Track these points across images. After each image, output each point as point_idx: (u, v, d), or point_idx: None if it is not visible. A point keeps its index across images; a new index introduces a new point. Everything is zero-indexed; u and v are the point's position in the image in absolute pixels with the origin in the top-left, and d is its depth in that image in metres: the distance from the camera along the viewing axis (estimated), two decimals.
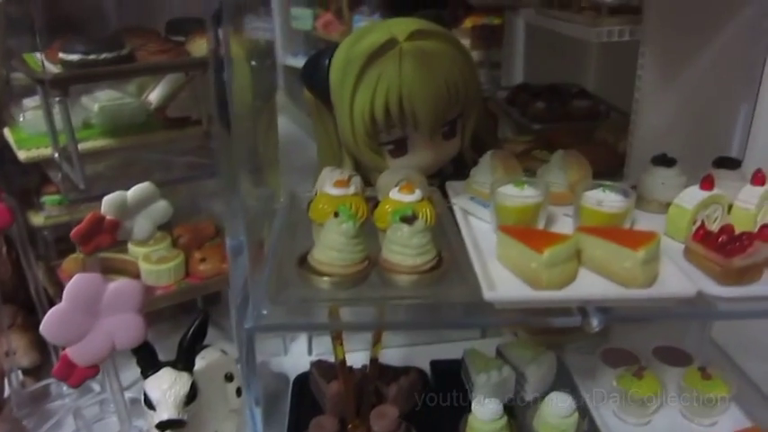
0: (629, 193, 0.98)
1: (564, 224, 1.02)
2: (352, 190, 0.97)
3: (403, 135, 1.25)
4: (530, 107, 1.56)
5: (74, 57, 1.09)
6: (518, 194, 0.97)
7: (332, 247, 0.85)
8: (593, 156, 1.33)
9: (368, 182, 1.36)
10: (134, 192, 1.00)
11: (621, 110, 1.53)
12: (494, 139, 1.59)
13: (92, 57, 1.08)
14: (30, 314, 1.38)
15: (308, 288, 0.86)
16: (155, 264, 1.31)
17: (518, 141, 1.43)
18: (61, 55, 1.11)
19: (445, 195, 1.17)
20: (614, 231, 0.89)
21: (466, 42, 2.06)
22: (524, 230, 0.90)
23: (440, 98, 1.20)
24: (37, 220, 1.50)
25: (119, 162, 1.41)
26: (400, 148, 1.27)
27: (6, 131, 1.41)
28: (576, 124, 1.49)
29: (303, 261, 0.89)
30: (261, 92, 1.13)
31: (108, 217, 0.99)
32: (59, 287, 1.31)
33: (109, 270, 1.31)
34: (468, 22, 2.06)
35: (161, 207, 1.03)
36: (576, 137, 1.42)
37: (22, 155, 1.29)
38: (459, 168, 1.42)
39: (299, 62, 2.64)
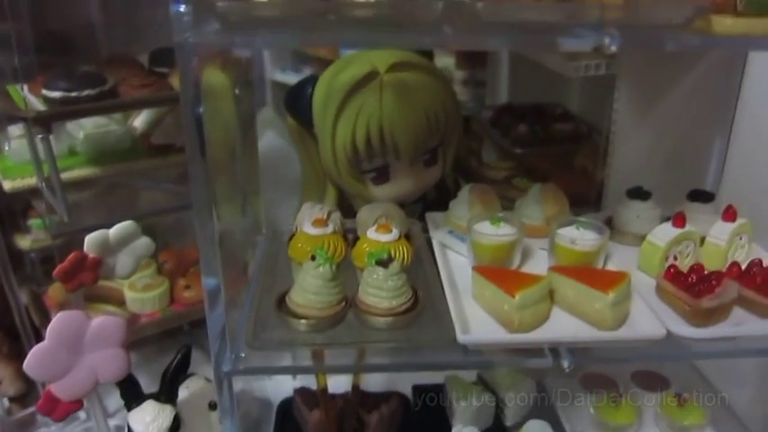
0: (603, 230, 1.00)
1: (540, 259, 1.04)
2: (330, 229, 0.99)
3: (384, 163, 1.27)
4: (512, 130, 1.57)
5: (56, 94, 1.10)
6: (493, 233, 0.98)
7: (309, 290, 0.87)
8: (571, 184, 1.35)
9: (351, 208, 1.38)
10: (116, 230, 1.01)
11: (602, 131, 1.55)
12: (477, 163, 1.61)
13: (74, 94, 1.09)
14: (15, 341, 1.39)
15: (286, 330, 0.87)
16: (140, 291, 1.32)
17: (499, 168, 1.44)
18: (44, 92, 1.12)
19: (426, 225, 1.19)
20: (586, 272, 0.91)
21: (451, 61, 2.08)
22: (498, 271, 0.92)
23: (420, 128, 1.21)
24: (23, 243, 1.51)
25: (103, 189, 1.42)
26: (382, 176, 1.29)
27: None
28: (558, 148, 1.51)
29: (282, 302, 0.91)
30: (240, 119, 1.14)
31: (90, 255, 1.00)
32: (45, 315, 1.32)
33: (94, 297, 1.33)
34: None
35: (143, 244, 1.05)
36: (556, 163, 1.44)
37: (7, 185, 1.30)
38: (442, 193, 1.44)
39: (286, 77, 2.65)
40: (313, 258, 0.88)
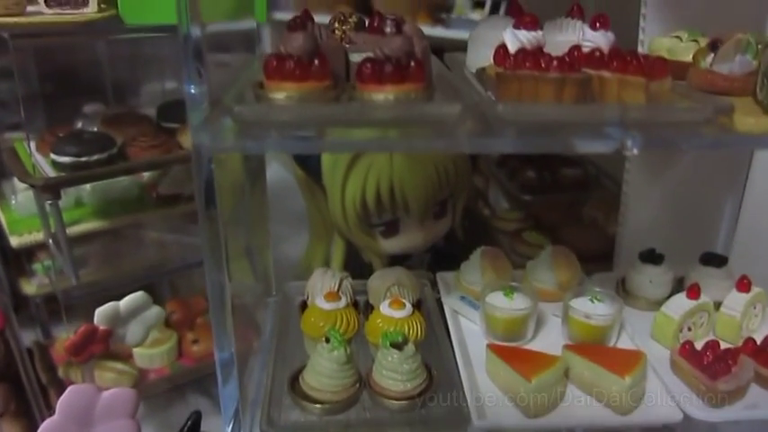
0: (616, 301, 1.00)
1: (553, 328, 1.04)
2: (343, 303, 0.98)
3: (394, 218, 1.27)
4: (519, 174, 1.57)
5: (65, 159, 1.09)
6: (507, 306, 0.98)
7: (323, 373, 0.86)
8: (582, 239, 1.35)
9: (360, 258, 1.37)
10: (127, 301, 1.00)
11: (611, 175, 1.54)
12: (485, 207, 1.61)
13: (83, 159, 1.09)
14: (22, 393, 1.38)
15: (300, 412, 0.87)
16: (148, 347, 1.31)
17: (509, 219, 1.44)
18: (53, 156, 1.11)
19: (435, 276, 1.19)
20: (602, 352, 0.91)
21: None
22: (513, 352, 0.91)
23: (431, 184, 1.21)
24: (29, 289, 1.51)
25: (110, 240, 1.41)
26: (392, 230, 1.29)
27: None
28: (566, 195, 1.51)
29: (295, 381, 0.90)
30: (249, 176, 1.13)
31: (101, 327, 0.99)
32: (52, 371, 1.31)
33: (101, 354, 1.32)
34: None
35: (154, 313, 1.04)
36: (565, 212, 1.43)
37: (14, 241, 1.30)
38: (451, 241, 1.43)
39: None
40: (327, 341, 0.87)
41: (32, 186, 1.07)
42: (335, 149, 1.02)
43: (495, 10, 2.03)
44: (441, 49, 1.00)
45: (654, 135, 0.69)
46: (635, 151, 0.67)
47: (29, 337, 1.58)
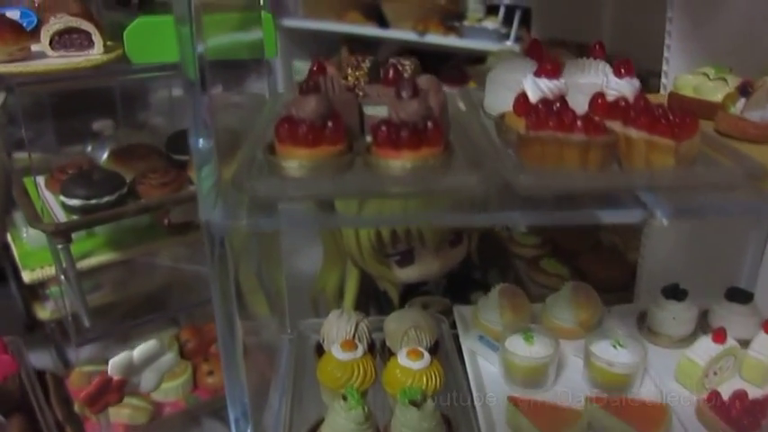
0: (639, 346, 0.97)
1: (574, 369, 1.01)
2: (359, 352, 0.96)
3: (409, 247, 1.24)
4: None
5: (75, 202, 1.07)
6: (527, 354, 0.95)
7: (340, 431, 0.85)
8: (602, 266, 1.32)
9: (374, 287, 1.35)
10: (140, 351, 0.99)
11: None
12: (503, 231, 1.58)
13: (93, 201, 1.07)
14: (36, 424, 1.37)
15: None
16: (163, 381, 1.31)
17: (526, 245, 1.41)
18: (62, 198, 1.09)
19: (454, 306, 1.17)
20: (626, 406, 0.88)
21: None
22: (534, 406, 0.89)
23: None
24: (43, 314, 1.50)
25: (122, 270, 1.40)
26: (407, 260, 1.27)
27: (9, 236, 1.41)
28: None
29: None
30: None
31: (115, 378, 0.98)
32: (68, 408, 1.30)
33: None
34: (472, 84, 2.03)
35: (167, 360, 1.02)
36: (585, 238, 1.40)
37: (26, 276, 1.28)
38: (467, 267, 1.41)
39: None
40: (344, 399, 0.85)
41: (43, 231, 1.05)
42: (352, 225, 1.00)
43: (509, 18, 1.98)
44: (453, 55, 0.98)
45: (684, 203, 0.66)
46: (664, 222, 0.64)
47: (43, 359, 1.59)
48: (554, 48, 1.72)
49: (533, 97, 0.80)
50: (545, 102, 0.79)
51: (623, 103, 0.79)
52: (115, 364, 0.97)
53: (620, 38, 1.69)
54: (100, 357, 1.45)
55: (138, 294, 1.51)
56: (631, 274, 1.28)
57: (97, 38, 1.00)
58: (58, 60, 0.98)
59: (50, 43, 1.00)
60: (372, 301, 1.44)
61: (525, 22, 1.94)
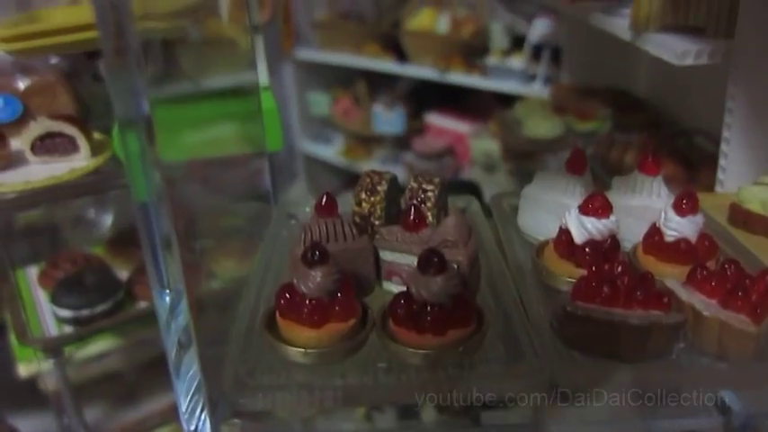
0: None
1: None
2: None
3: None
4: None
5: (66, 313, 0.98)
6: None
7: None
8: None
9: None
10: None
11: None
12: None
13: (85, 312, 0.98)
14: None
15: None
16: None
17: None
18: (53, 307, 1.00)
19: None
20: None
21: (495, 148, 1.92)
22: None
23: None
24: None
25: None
26: None
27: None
28: None
29: None
30: None
31: None
32: None
33: None
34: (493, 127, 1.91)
35: None
36: None
37: (22, 370, 1.20)
38: None
39: (318, 148, 2.51)
40: None
41: (33, 347, 0.96)
42: None
43: (536, 56, 1.84)
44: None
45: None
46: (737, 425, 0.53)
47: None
48: (586, 98, 1.59)
49: (579, 238, 0.68)
50: (593, 248, 0.67)
51: (684, 245, 0.67)
52: None
53: (656, 86, 1.56)
54: None
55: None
56: None
57: (82, 141, 0.90)
58: (39, 169, 0.88)
59: (32, 148, 0.90)
60: None
61: (554, 60, 1.81)
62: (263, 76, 1.07)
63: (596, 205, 0.69)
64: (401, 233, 0.69)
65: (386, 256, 0.70)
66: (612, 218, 0.69)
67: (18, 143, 0.95)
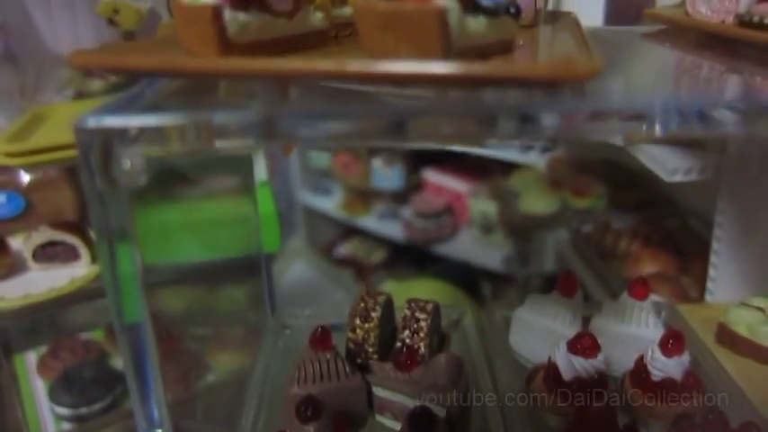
0: None
1: None
2: None
3: None
4: None
5: (63, 411, 0.99)
6: None
7: None
8: None
9: None
10: None
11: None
12: None
13: (83, 410, 0.99)
14: None
15: None
16: None
17: None
18: (51, 404, 1.01)
19: None
20: None
21: None
22: None
23: None
24: None
25: None
26: None
27: None
28: None
29: None
30: None
31: None
32: None
33: None
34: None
35: None
36: None
37: None
38: None
39: (318, 201, 2.52)
40: None
41: None
42: None
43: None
44: None
45: None
46: None
47: None
48: (581, 172, 1.61)
49: (566, 375, 0.70)
50: (580, 386, 0.69)
51: (669, 384, 0.69)
52: None
53: None
54: None
55: None
56: None
57: (83, 250, 0.91)
58: (40, 278, 0.90)
59: (33, 256, 0.92)
60: None
61: None
62: (261, 172, 1.09)
63: (585, 345, 0.70)
64: (393, 371, 0.70)
65: (378, 392, 0.71)
66: (600, 356, 0.71)
67: (18, 243, 0.97)
